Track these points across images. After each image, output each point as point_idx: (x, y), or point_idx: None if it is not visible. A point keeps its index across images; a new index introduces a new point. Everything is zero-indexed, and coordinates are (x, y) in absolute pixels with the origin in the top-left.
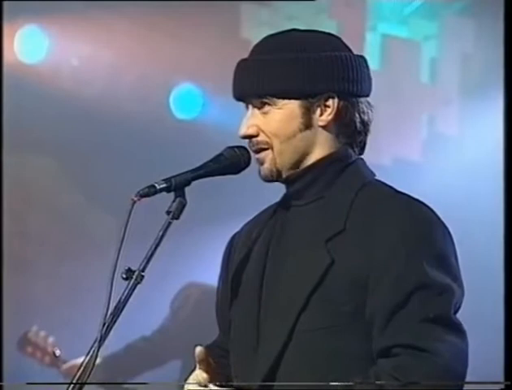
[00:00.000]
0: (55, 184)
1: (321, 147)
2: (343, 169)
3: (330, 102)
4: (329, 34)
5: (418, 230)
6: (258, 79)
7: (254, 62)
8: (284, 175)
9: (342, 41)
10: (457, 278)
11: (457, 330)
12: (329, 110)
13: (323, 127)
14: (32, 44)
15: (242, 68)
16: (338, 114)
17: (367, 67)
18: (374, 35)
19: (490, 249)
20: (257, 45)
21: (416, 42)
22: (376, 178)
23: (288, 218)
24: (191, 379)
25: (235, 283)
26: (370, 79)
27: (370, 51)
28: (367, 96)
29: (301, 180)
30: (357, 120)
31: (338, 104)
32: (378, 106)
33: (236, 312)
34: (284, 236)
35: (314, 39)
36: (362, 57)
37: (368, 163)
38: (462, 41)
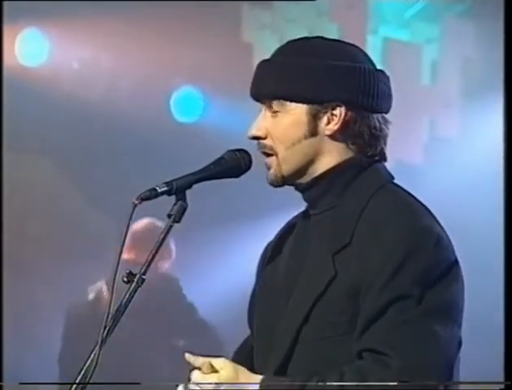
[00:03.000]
0: (56, 186)
1: (329, 155)
2: (355, 177)
3: (337, 112)
4: (353, 46)
5: (412, 242)
6: (269, 81)
7: (268, 64)
8: (289, 182)
9: (366, 54)
10: (445, 286)
11: (429, 339)
12: (336, 120)
13: (330, 136)
14: (32, 47)
15: (259, 69)
16: (345, 125)
17: (387, 83)
18: (375, 38)
19: (490, 250)
20: (279, 48)
21: (417, 45)
22: (391, 182)
23: (306, 227)
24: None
25: (262, 292)
26: (389, 95)
27: (372, 54)
28: (384, 112)
29: (312, 189)
30: (367, 133)
31: (345, 114)
32: None
33: (259, 319)
34: (301, 246)
35: (334, 48)
36: (383, 73)
37: None
38: (462, 43)
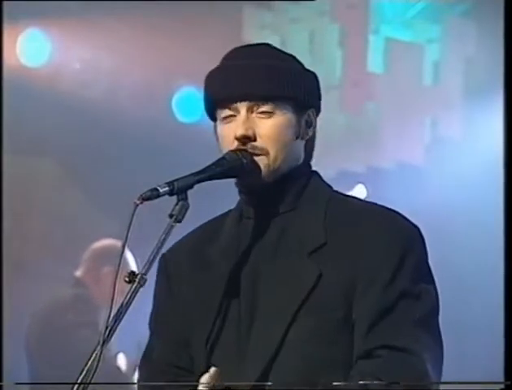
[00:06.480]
0: (56, 186)
1: (297, 158)
2: (307, 182)
3: (312, 116)
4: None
5: (401, 239)
6: (262, 82)
7: (261, 66)
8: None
9: None
10: (433, 282)
11: (435, 335)
12: (312, 123)
13: (304, 139)
14: (34, 47)
15: (243, 70)
16: (314, 128)
17: None
18: (377, 38)
19: (491, 250)
20: (251, 51)
21: (419, 45)
22: (335, 190)
23: (259, 229)
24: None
25: (205, 298)
26: None
27: (373, 54)
28: None
29: (271, 191)
30: (315, 136)
31: (315, 118)
32: (381, 109)
33: (212, 327)
34: (259, 248)
35: (282, 52)
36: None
37: (371, 167)
38: (464, 43)
